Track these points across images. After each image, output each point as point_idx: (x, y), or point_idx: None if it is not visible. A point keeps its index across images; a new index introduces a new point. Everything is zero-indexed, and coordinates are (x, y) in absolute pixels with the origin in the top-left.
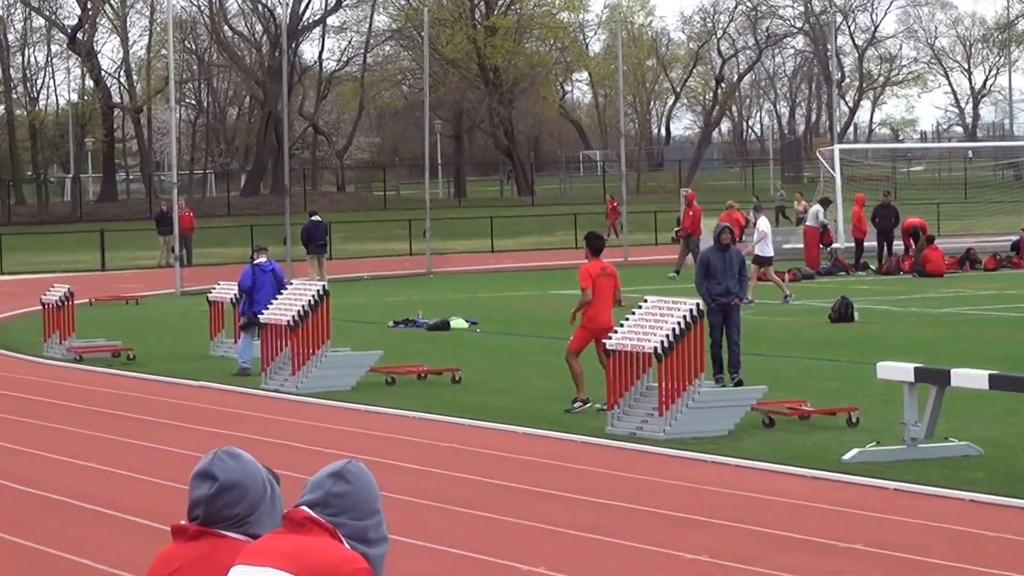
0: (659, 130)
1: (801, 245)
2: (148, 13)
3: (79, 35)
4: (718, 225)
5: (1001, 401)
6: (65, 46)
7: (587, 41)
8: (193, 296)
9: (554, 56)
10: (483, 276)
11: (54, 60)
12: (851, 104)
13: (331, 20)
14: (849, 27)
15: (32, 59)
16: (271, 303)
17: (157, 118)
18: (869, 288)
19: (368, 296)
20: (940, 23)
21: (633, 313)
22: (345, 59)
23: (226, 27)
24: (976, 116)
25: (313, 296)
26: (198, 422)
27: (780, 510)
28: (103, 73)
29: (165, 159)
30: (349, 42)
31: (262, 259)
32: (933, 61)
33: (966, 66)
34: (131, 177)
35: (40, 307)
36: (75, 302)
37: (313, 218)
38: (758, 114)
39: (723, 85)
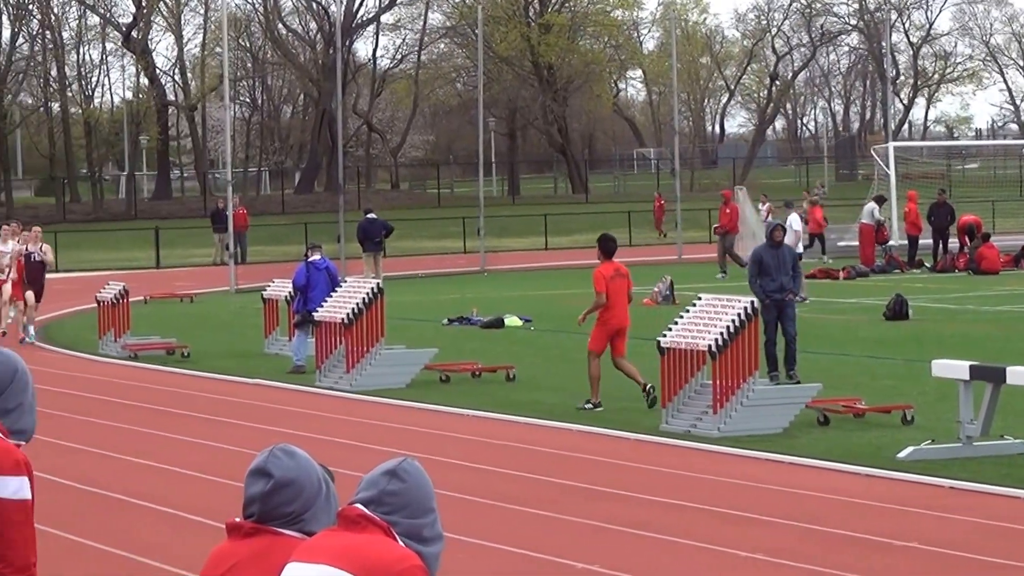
0: (713, 128)
1: (856, 243)
2: (202, 11)
3: (134, 33)
4: (771, 222)
5: None
6: (120, 44)
7: (641, 39)
8: (247, 294)
9: (608, 54)
10: (537, 274)
11: (109, 58)
12: (906, 102)
13: (385, 18)
14: (904, 24)
15: (87, 57)
16: (325, 301)
17: (211, 116)
18: (924, 286)
19: (422, 294)
20: (995, 20)
21: (687, 311)
22: (399, 57)
23: (280, 25)
24: None
25: (367, 293)
26: (252, 419)
27: (835, 508)
28: (157, 71)
29: (219, 157)
30: (403, 40)
31: (316, 257)
32: (988, 58)
33: (1021, 63)
34: (185, 175)
35: (95, 305)
36: (130, 300)
37: (369, 216)
38: (812, 111)
39: (777, 82)
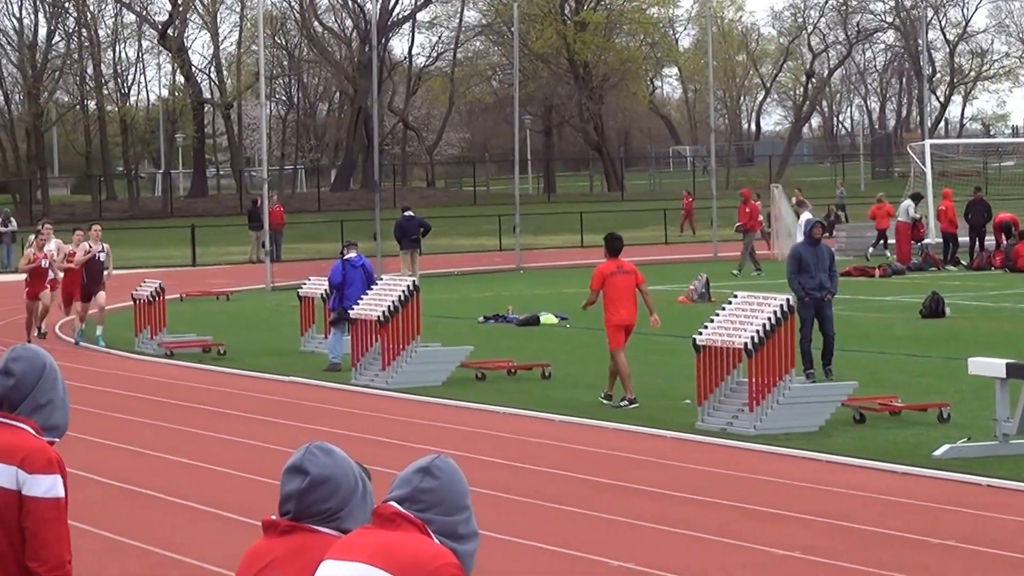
0: (749, 125)
1: (892, 240)
2: (238, 9)
3: (170, 31)
4: (809, 219)
5: None
6: (156, 42)
7: (677, 36)
8: (283, 291)
9: (644, 51)
10: (572, 271)
11: (145, 56)
12: (942, 99)
13: (421, 15)
14: (940, 22)
15: (123, 55)
16: (361, 298)
17: (247, 114)
18: (960, 283)
19: (458, 292)
20: None
21: (723, 309)
22: (435, 54)
23: (316, 23)
24: None
25: (403, 291)
26: (288, 417)
27: (870, 506)
28: (193, 69)
29: (255, 155)
30: (439, 37)
31: (352, 254)
32: None
33: None
34: (221, 173)
35: (131, 302)
36: (166, 297)
37: (406, 213)
38: (848, 109)
39: (813, 80)
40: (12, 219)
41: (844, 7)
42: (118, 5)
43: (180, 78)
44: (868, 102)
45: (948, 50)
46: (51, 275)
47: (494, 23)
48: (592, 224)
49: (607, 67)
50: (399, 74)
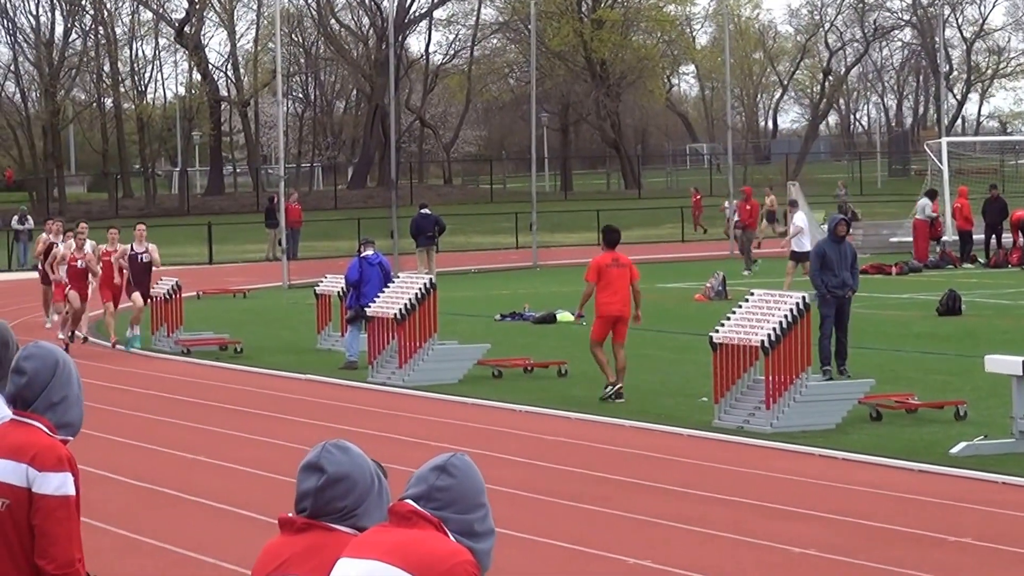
0: (766, 123)
1: (909, 239)
2: (255, 7)
3: (186, 29)
4: (833, 217)
5: None
6: (172, 40)
7: (694, 34)
8: (300, 289)
9: (661, 49)
10: None
11: (161, 54)
12: (959, 97)
13: (438, 13)
14: (957, 20)
15: (140, 53)
16: (378, 296)
17: (264, 111)
18: (977, 281)
19: (475, 289)
20: None
21: (740, 306)
22: (452, 52)
23: (333, 20)
24: None
25: (420, 289)
26: (305, 415)
27: (887, 504)
28: (210, 66)
29: (272, 152)
30: (456, 35)
31: (369, 252)
32: None
33: None
34: (238, 170)
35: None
36: (183, 295)
37: (423, 211)
38: (865, 107)
39: (830, 78)
40: (29, 217)
41: (861, 5)
42: (135, 2)
43: (197, 76)
44: (885, 100)
45: (965, 48)
46: (90, 280)
47: (511, 21)
48: (609, 222)
49: (624, 65)
50: (416, 72)
